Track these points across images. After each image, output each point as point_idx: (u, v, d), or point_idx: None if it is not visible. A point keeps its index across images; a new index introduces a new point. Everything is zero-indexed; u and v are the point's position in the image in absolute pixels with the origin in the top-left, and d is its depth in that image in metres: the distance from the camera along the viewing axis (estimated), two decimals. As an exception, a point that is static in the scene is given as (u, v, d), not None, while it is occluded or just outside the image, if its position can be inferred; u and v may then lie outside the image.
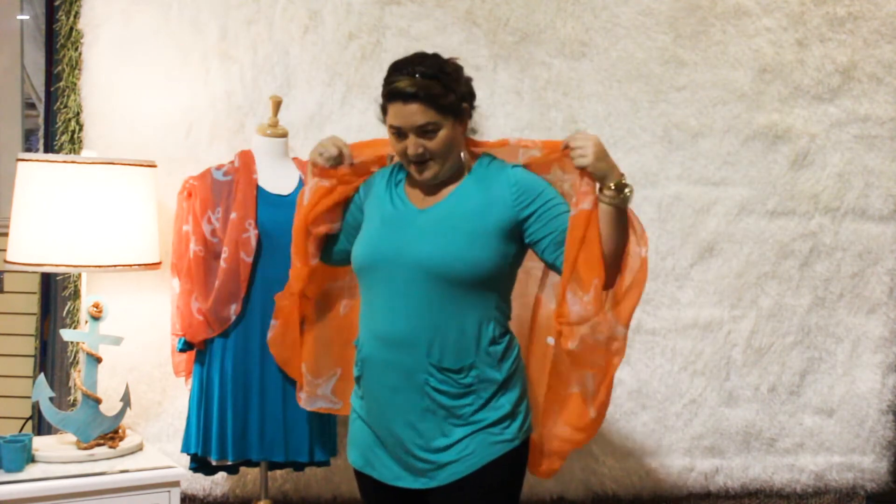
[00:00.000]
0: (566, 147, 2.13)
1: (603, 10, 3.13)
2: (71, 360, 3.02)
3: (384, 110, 2.16)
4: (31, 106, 3.52)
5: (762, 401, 3.24)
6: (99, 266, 2.61)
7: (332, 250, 2.37)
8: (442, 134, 2.11)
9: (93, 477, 2.48)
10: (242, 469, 2.91)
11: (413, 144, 2.11)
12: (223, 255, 2.62)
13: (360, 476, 2.26)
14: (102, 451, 2.62)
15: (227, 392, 2.63)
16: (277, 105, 2.78)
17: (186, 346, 2.69)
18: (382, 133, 3.03)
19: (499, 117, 3.09)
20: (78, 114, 2.99)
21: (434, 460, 2.11)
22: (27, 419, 3.23)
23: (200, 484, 2.99)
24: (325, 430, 2.70)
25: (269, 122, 2.77)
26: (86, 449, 2.61)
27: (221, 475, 2.97)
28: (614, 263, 2.13)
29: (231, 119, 3.00)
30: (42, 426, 3.09)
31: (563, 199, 2.16)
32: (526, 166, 2.21)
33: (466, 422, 2.11)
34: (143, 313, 2.94)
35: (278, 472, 3.00)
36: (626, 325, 2.15)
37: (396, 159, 2.26)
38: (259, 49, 3.02)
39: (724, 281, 3.21)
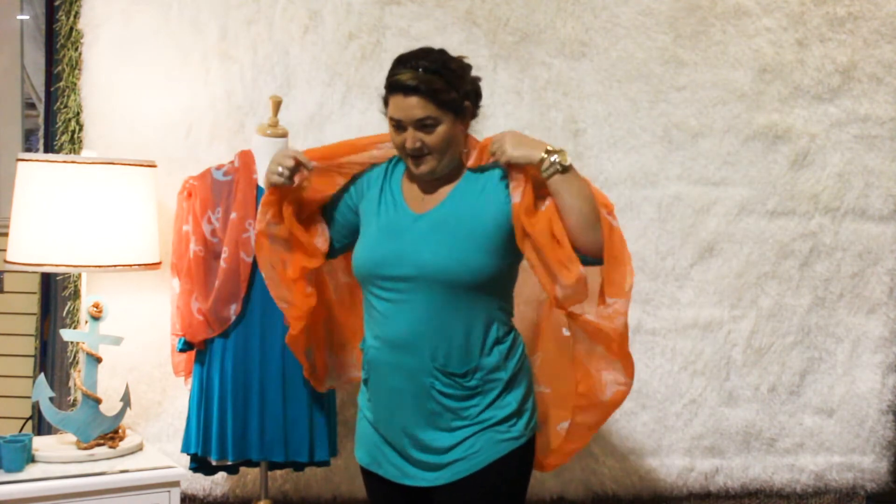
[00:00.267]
0: (492, 155, 2.14)
1: (603, 10, 3.13)
2: (71, 360, 3.02)
3: (386, 102, 2.17)
4: (31, 106, 3.52)
5: (762, 401, 3.24)
6: (99, 266, 2.61)
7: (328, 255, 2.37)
8: (441, 129, 2.11)
9: (93, 477, 2.48)
10: (242, 469, 2.91)
11: (411, 138, 2.11)
12: (223, 255, 2.62)
13: (367, 474, 2.27)
14: (102, 451, 2.62)
15: (227, 392, 2.63)
16: (277, 105, 2.78)
17: (186, 346, 2.69)
18: (383, 133, 3.05)
19: (499, 117, 3.09)
20: (78, 114, 2.99)
21: (441, 459, 2.12)
22: (27, 419, 3.23)
23: (200, 484, 2.99)
24: (326, 430, 2.70)
25: (269, 122, 2.77)
26: (86, 449, 2.61)
27: (221, 475, 2.97)
28: (591, 228, 2.09)
29: (231, 119, 3.00)
30: (42, 426, 3.09)
31: None
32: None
33: (473, 421, 2.12)
34: (143, 313, 2.93)
35: (278, 472, 3.00)
36: (621, 297, 2.13)
37: (385, 157, 2.28)
38: (259, 49, 3.02)
39: (724, 281, 3.21)
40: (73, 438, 2.64)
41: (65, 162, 2.60)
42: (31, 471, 2.49)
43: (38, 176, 2.59)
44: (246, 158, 2.72)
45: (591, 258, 2.11)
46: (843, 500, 3.32)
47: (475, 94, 2.21)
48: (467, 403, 2.12)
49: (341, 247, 2.35)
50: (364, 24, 3.05)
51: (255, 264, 2.63)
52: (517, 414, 2.15)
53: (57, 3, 3.07)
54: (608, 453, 3.18)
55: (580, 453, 3.12)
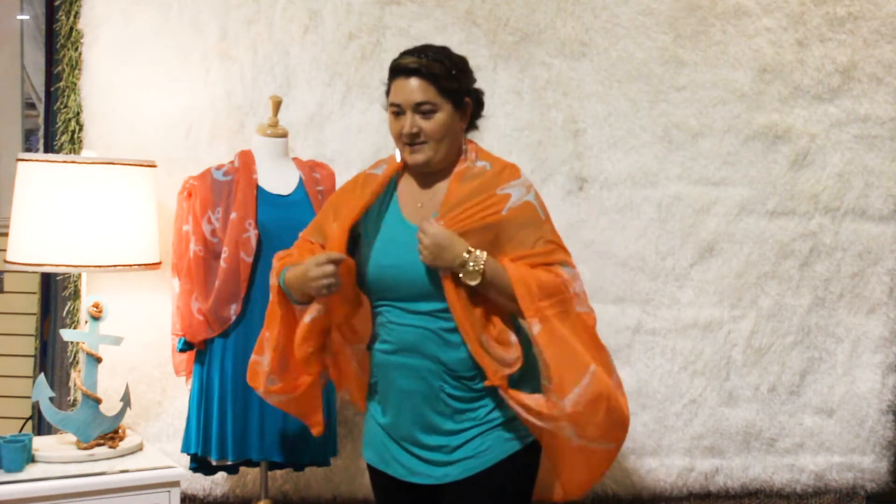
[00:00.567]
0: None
1: (603, 10, 3.13)
2: (71, 360, 3.01)
3: (388, 93, 2.18)
4: (31, 106, 3.52)
5: (762, 401, 3.24)
6: (99, 266, 2.61)
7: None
8: (439, 117, 2.12)
9: (93, 477, 2.48)
10: (242, 469, 2.91)
11: (409, 122, 2.11)
12: (223, 255, 2.62)
13: (375, 473, 2.28)
14: (102, 451, 2.62)
15: (227, 392, 2.63)
16: (277, 105, 2.78)
17: (186, 346, 2.69)
18: (382, 133, 3.05)
19: (499, 117, 3.09)
20: (78, 114, 2.99)
21: (450, 457, 2.14)
22: (27, 419, 3.23)
23: (200, 484, 2.99)
24: (325, 430, 2.70)
25: (269, 122, 2.77)
26: (86, 449, 2.61)
27: (221, 475, 2.97)
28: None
29: (231, 119, 3.00)
30: (42, 426, 3.09)
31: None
32: None
33: (481, 421, 2.14)
34: (143, 313, 2.93)
35: (278, 472, 3.00)
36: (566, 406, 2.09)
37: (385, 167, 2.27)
38: (259, 49, 3.02)
39: (724, 281, 3.20)
40: (73, 438, 2.64)
41: (65, 162, 2.60)
42: (31, 471, 2.49)
43: (38, 176, 2.59)
44: (246, 158, 2.72)
45: None
46: (843, 500, 3.32)
47: (476, 99, 2.23)
48: (475, 405, 2.14)
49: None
50: (364, 24, 3.05)
51: (255, 264, 2.63)
52: None
53: (57, 3, 3.07)
54: (608, 453, 3.18)
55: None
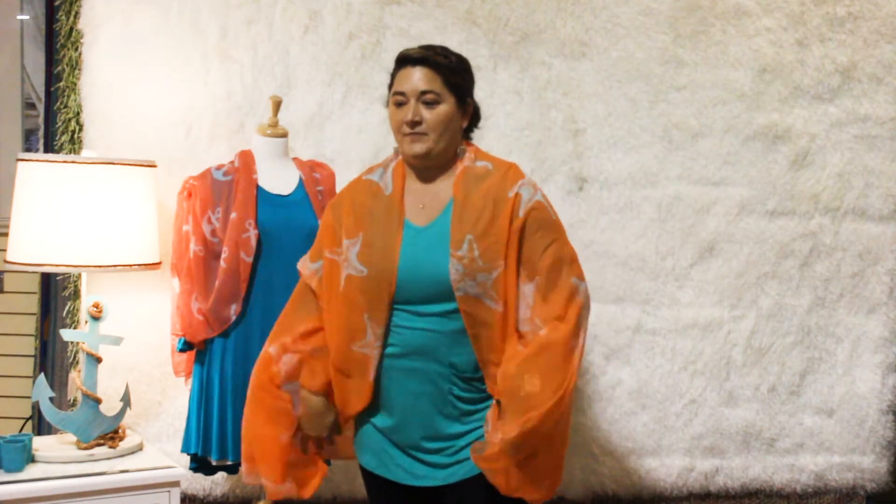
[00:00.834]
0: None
1: (603, 10, 3.13)
2: (71, 360, 3.02)
3: (390, 86, 2.19)
4: (31, 106, 3.52)
5: (762, 401, 3.24)
6: (99, 266, 2.61)
7: None
8: (442, 108, 2.13)
9: (93, 477, 2.48)
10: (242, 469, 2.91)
11: (413, 110, 2.11)
12: (223, 255, 2.62)
13: (372, 477, 2.26)
14: (102, 451, 2.62)
15: (227, 392, 2.63)
16: (277, 105, 2.78)
17: (186, 346, 2.69)
18: (382, 133, 3.05)
19: (499, 117, 3.09)
20: (78, 114, 2.99)
21: (454, 458, 2.13)
22: (27, 419, 3.23)
23: (200, 484, 2.99)
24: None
25: (269, 122, 2.77)
26: (86, 449, 2.61)
27: (221, 475, 2.97)
28: None
29: (231, 119, 3.00)
30: (42, 426, 3.09)
31: None
32: None
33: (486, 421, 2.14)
34: (143, 313, 2.93)
35: (278, 472, 3.00)
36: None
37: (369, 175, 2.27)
38: (259, 49, 3.02)
39: (724, 281, 3.21)
40: (73, 438, 2.64)
41: (65, 162, 2.60)
42: (31, 471, 2.49)
43: (38, 176, 2.59)
44: (246, 158, 2.72)
45: None
46: (843, 500, 3.32)
47: (475, 108, 2.25)
48: (482, 406, 2.14)
49: None
50: (364, 24, 3.05)
51: (255, 264, 2.63)
52: None
53: (57, 3, 3.07)
54: (608, 453, 3.18)
55: (580, 453, 3.14)
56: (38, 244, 2.57)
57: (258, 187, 2.68)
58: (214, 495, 3.02)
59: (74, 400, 2.92)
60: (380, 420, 2.21)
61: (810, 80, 3.20)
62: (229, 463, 2.68)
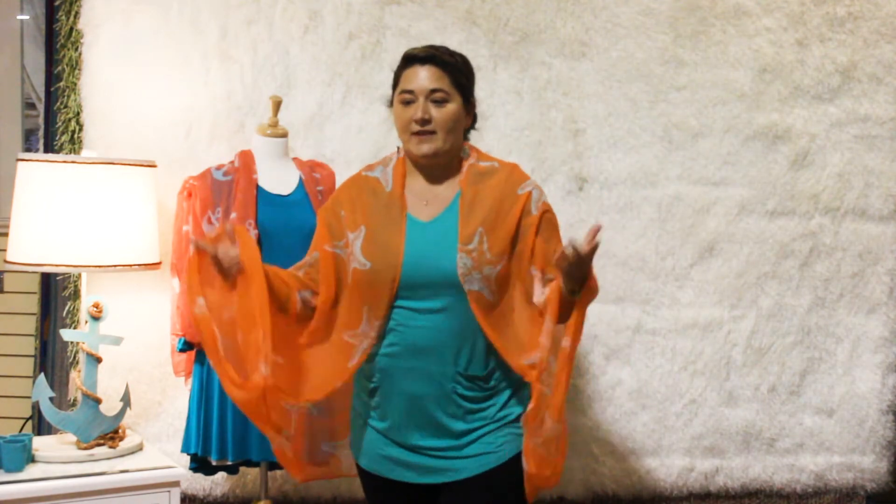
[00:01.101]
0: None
1: (603, 10, 3.13)
2: (71, 360, 3.02)
3: (395, 84, 2.19)
4: (31, 106, 3.52)
5: (762, 401, 3.24)
6: (99, 266, 2.61)
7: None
8: (450, 107, 2.14)
9: (93, 477, 2.48)
10: (242, 469, 2.91)
11: (422, 108, 2.12)
12: (223, 255, 2.62)
13: (372, 478, 2.25)
14: (102, 451, 2.62)
15: (227, 392, 2.63)
16: (277, 105, 2.78)
17: (186, 346, 2.69)
18: (382, 133, 3.05)
19: (499, 117, 3.09)
20: (78, 114, 2.99)
21: (460, 454, 2.13)
22: (27, 419, 3.23)
23: (200, 484, 2.99)
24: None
25: (269, 122, 2.77)
26: (86, 449, 2.61)
27: (221, 475, 2.97)
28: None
29: (231, 119, 3.00)
30: (42, 426, 3.09)
31: None
32: None
33: (491, 420, 2.15)
34: (143, 313, 2.93)
35: (278, 472, 3.00)
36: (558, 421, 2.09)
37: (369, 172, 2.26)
38: (259, 49, 3.02)
39: (724, 281, 3.21)
40: (73, 438, 2.64)
41: (65, 162, 2.60)
42: (31, 471, 2.49)
43: (38, 176, 2.59)
44: (246, 158, 2.72)
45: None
46: (843, 500, 3.32)
47: (473, 102, 2.26)
48: (486, 404, 2.15)
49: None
50: (364, 24, 3.05)
51: (255, 264, 2.63)
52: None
53: (57, 3, 3.07)
54: (608, 453, 3.18)
55: (580, 453, 3.14)
56: (38, 244, 2.57)
57: (258, 187, 2.68)
58: (214, 495, 3.02)
59: (74, 400, 2.92)
60: (379, 422, 2.20)
61: (810, 80, 3.20)
62: (229, 463, 2.68)
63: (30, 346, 3.29)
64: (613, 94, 3.14)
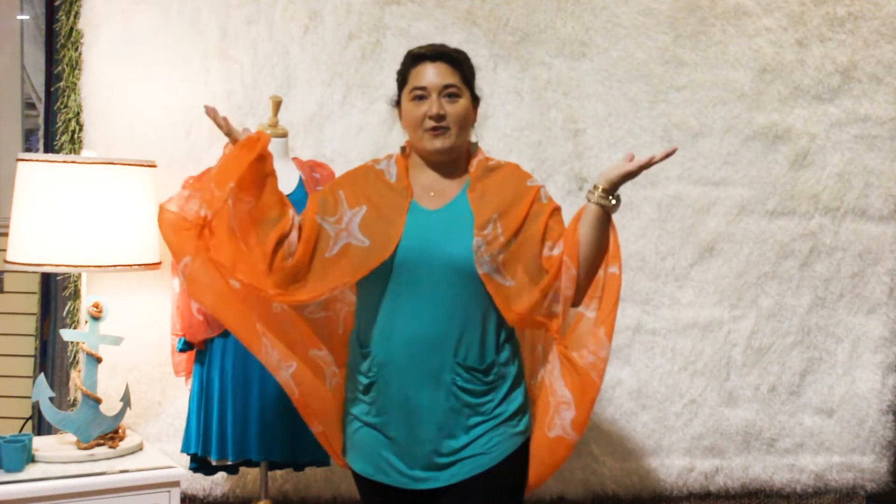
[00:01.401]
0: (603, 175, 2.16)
1: (603, 10, 3.13)
2: (71, 360, 3.02)
3: (403, 82, 2.20)
4: (31, 106, 3.52)
5: (762, 401, 3.24)
6: (99, 266, 2.61)
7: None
8: (462, 103, 2.17)
9: (93, 477, 2.48)
10: (242, 469, 2.91)
11: (436, 104, 2.14)
12: (223, 255, 2.62)
13: (368, 483, 2.24)
14: (102, 451, 2.62)
15: (227, 392, 2.63)
16: (277, 105, 2.78)
17: (186, 346, 2.69)
18: (382, 133, 3.05)
19: (499, 117, 3.09)
20: (78, 114, 2.99)
21: (456, 457, 2.13)
22: (27, 419, 3.23)
23: (200, 484, 2.99)
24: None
25: (269, 122, 2.77)
26: (86, 449, 2.61)
27: (221, 475, 2.97)
28: (593, 271, 2.18)
29: (231, 119, 2.99)
30: (42, 426, 3.09)
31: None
32: None
33: (489, 416, 2.14)
34: (143, 313, 2.93)
35: (278, 472, 3.00)
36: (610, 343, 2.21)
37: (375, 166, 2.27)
38: (259, 49, 3.02)
39: (724, 281, 3.21)
40: (73, 438, 2.64)
41: (65, 162, 2.60)
42: (31, 471, 2.49)
43: (38, 176, 2.59)
44: (246, 158, 2.72)
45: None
46: (843, 500, 3.32)
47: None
48: (485, 399, 2.14)
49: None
50: (364, 24, 3.05)
51: (255, 264, 2.63)
52: (523, 409, 2.20)
53: (57, 3, 3.07)
54: (608, 453, 3.18)
55: (580, 453, 3.14)
56: (38, 244, 2.57)
57: (258, 187, 2.67)
58: (214, 495, 3.02)
59: (74, 400, 2.92)
60: (374, 418, 2.19)
61: (810, 80, 3.20)
62: (229, 463, 2.68)
63: (30, 346, 3.29)
64: (613, 94, 3.14)
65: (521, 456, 2.18)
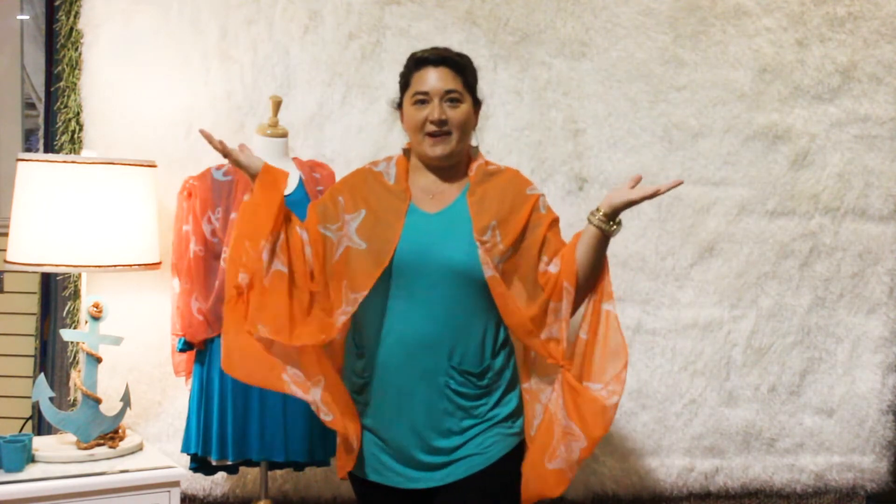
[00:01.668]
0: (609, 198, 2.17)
1: (603, 10, 3.13)
2: (71, 360, 3.02)
3: (405, 85, 2.20)
4: (31, 106, 3.52)
5: (762, 401, 3.24)
6: (99, 266, 2.61)
7: None
8: (464, 108, 2.17)
9: (93, 477, 2.48)
10: (242, 469, 2.91)
11: (438, 109, 2.13)
12: (223, 255, 2.62)
13: (363, 484, 2.25)
14: (102, 451, 2.62)
15: (227, 392, 2.63)
16: (277, 105, 2.78)
17: (186, 346, 2.69)
18: (382, 133, 3.05)
19: (499, 117, 3.09)
20: (78, 114, 2.99)
21: (450, 457, 2.13)
22: (27, 419, 3.23)
23: (200, 484, 2.99)
24: (325, 430, 2.68)
25: (269, 122, 2.77)
26: (86, 449, 2.61)
27: (221, 475, 2.97)
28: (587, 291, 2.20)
29: (231, 119, 3.00)
30: (42, 426, 3.09)
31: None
32: None
33: (483, 419, 2.15)
34: (143, 313, 2.93)
35: (278, 472, 3.00)
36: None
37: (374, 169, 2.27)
38: (259, 49, 3.02)
39: (724, 281, 3.21)
40: (73, 438, 2.64)
41: (65, 162, 2.60)
42: (31, 471, 2.49)
43: (38, 176, 2.59)
44: (246, 158, 2.72)
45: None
46: (843, 500, 3.32)
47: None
48: (478, 402, 2.15)
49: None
50: (364, 24, 3.05)
51: (255, 264, 2.63)
52: (517, 412, 2.21)
53: (57, 3, 3.07)
54: (608, 453, 3.18)
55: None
56: (38, 244, 2.57)
57: (258, 187, 2.67)
58: (214, 495, 3.02)
59: (74, 400, 2.92)
60: (369, 419, 2.20)
61: (810, 80, 3.20)
62: (229, 463, 2.68)
63: (30, 346, 3.29)
64: (613, 94, 3.14)
65: (516, 456, 2.19)
